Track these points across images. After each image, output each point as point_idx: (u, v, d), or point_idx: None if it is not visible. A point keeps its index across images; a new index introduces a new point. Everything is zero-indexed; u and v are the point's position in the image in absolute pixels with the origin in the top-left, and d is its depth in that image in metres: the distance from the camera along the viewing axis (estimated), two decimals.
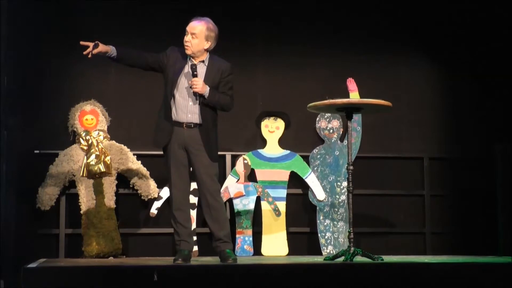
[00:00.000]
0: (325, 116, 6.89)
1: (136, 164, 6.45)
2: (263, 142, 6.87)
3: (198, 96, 5.04)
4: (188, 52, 5.09)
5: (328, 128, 6.88)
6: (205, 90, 5.02)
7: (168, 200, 6.46)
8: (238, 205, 6.61)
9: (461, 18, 7.18)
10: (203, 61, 5.13)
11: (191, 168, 5.19)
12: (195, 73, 5.02)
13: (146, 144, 6.68)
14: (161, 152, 6.69)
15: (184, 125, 5.06)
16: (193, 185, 5.41)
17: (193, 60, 5.12)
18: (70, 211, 6.43)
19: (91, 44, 5.05)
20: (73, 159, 6.33)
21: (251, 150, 6.76)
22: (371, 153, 6.99)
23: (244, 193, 6.62)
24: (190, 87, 5.03)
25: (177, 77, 5.08)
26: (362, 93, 6.66)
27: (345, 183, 6.64)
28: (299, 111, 6.63)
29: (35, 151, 6.42)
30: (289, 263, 4.99)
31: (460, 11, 7.16)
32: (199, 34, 5.07)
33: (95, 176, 6.29)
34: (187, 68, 5.10)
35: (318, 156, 6.84)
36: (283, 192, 6.72)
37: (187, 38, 5.08)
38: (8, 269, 4.80)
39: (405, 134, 7.16)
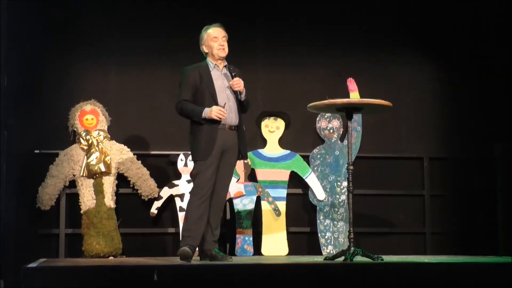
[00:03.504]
0: (325, 116, 6.89)
1: (136, 164, 6.45)
2: (263, 142, 6.87)
3: (237, 94, 5.29)
4: (224, 54, 5.33)
5: (328, 128, 6.89)
6: (243, 88, 5.31)
7: (168, 200, 6.49)
8: (238, 205, 6.61)
9: (461, 18, 7.18)
10: (226, 65, 5.37)
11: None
12: (233, 74, 5.28)
13: (146, 144, 6.70)
14: (160, 152, 6.72)
15: (227, 127, 5.23)
16: None
17: (218, 66, 5.34)
18: (70, 211, 6.43)
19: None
20: (74, 159, 6.34)
21: (251, 150, 6.76)
22: (371, 153, 6.99)
23: (244, 193, 6.62)
24: (229, 88, 5.28)
25: (213, 86, 5.25)
26: (362, 93, 6.66)
27: (345, 183, 6.64)
28: (299, 111, 6.63)
29: (35, 151, 6.43)
30: (289, 263, 4.99)
31: (460, 11, 7.16)
32: (226, 37, 5.37)
33: (95, 176, 6.29)
34: (214, 75, 5.30)
35: (318, 156, 6.84)
36: (283, 192, 6.72)
37: (221, 42, 5.31)
38: (8, 269, 4.81)
39: (405, 134, 7.16)
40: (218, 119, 5.14)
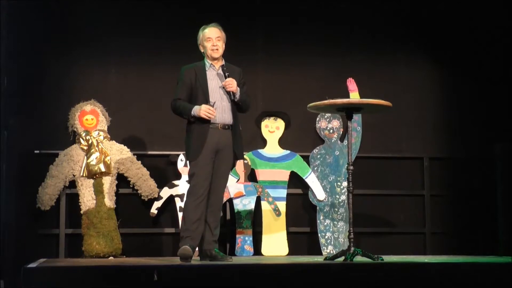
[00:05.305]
0: (325, 116, 6.89)
1: (136, 164, 6.44)
2: (263, 142, 6.87)
3: (230, 95, 5.27)
4: (217, 55, 5.33)
5: (328, 128, 6.88)
6: (237, 88, 5.28)
7: (168, 200, 6.49)
8: (238, 205, 6.61)
9: (461, 18, 7.18)
10: (222, 65, 5.35)
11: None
12: (227, 74, 5.27)
13: (146, 144, 6.70)
14: (160, 152, 6.72)
15: (220, 126, 5.23)
16: None
17: (214, 66, 5.34)
18: (70, 211, 6.43)
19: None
20: (73, 159, 6.34)
21: (251, 150, 6.76)
22: (371, 153, 6.98)
23: (244, 193, 6.62)
24: (223, 88, 5.27)
25: (207, 85, 5.27)
26: (362, 93, 6.66)
27: (345, 183, 6.64)
28: (299, 111, 6.63)
29: (35, 151, 6.43)
30: (289, 263, 4.99)
31: (460, 11, 7.16)
32: (221, 37, 5.35)
33: (95, 176, 6.29)
34: (209, 75, 5.31)
35: (318, 156, 6.84)
36: (283, 192, 6.72)
37: (215, 42, 5.30)
38: (8, 269, 4.81)
39: (405, 134, 7.15)
40: (207, 118, 5.14)
